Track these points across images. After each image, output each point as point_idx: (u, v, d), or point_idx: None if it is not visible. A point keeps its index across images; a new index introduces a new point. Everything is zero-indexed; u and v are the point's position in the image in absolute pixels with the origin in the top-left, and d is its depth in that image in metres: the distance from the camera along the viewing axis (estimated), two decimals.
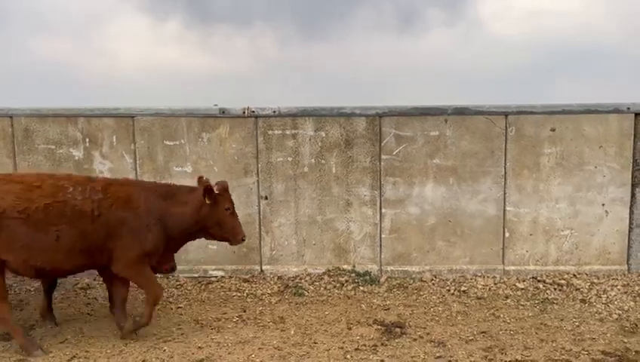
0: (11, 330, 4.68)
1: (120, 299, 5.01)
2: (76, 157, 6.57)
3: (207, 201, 4.79)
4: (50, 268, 4.61)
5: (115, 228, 4.57)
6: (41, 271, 4.59)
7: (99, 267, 4.93)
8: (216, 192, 4.85)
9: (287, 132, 6.53)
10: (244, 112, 6.51)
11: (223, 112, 6.53)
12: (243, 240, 5.06)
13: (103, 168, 6.54)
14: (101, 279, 6.32)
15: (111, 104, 6.70)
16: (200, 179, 4.98)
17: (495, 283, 6.36)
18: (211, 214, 4.86)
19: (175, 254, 5.24)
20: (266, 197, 6.55)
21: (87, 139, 6.57)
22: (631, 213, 6.51)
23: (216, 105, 6.60)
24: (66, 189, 4.48)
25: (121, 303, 5.01)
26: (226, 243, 5.25)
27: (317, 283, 6.41)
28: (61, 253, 4.49)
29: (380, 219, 6.59)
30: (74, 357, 4.63)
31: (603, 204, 6.51)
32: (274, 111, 6.51)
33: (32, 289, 6.27)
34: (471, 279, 6.47)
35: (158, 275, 5.37)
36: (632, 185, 6.48)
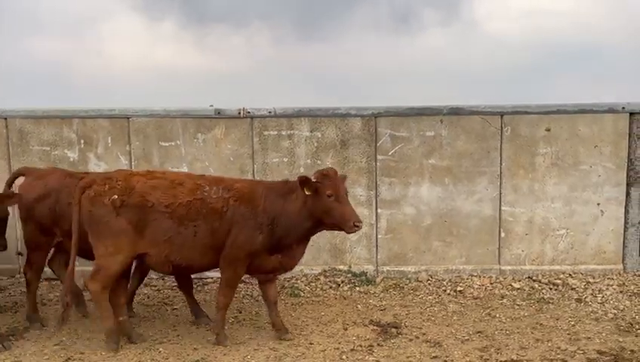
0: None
1: (272, 301, 5.03)
2: (71, 159, 6.56)
3: (307, 192, 4.62)
4: (186, 264, 4.76)
5: (237, 223, 4.65)
6: (177, 266, 4.75)
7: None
8: (314, 180, 4.65)
9: (283, 132, 6.53)
10: (239, 113, 6.51)
11: (219, 113, 6.52)
12: (356, 226, 4.60)
13: (98, 170, 6.50)
14: None
15: (107, 105, 6.70)
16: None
17: (491, 283, 6.37)
18: (316, 204, 4.64)
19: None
20: None
21: (82, 141, 6.56)
22: (626, 212, 6.53)
23: (211, 105, 6.59)
24: (203, 188, 4.69)
25: (273, 305, 5.03)
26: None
27: (313, 284, 6.41)
28: (197, 250, 4.67)
29: (376, 219, 6.59)
30: (69, 359, 4.61)
31: (598, 204, 6.52)
32: (269, 112, 6.51)
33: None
34: (467, 279, 6.48)
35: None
36: (627, 185, 6.50)
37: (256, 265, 4.79)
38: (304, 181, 4.61)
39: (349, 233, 4.81)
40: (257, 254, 4.73)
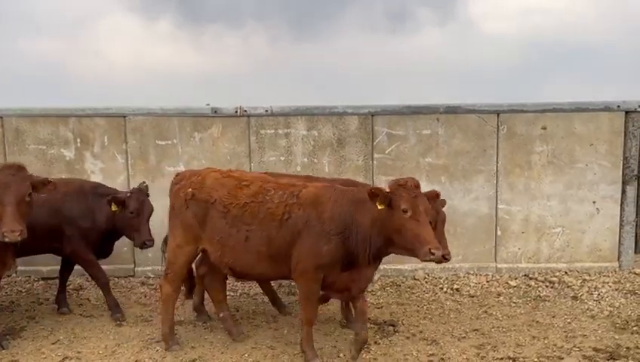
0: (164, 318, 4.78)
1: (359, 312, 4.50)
2: (67, 158, 6.54)
3: (379, 206, 3.98)
4: (240, 269, 4.55)
5: (300, 232, 4.23)
6: (233, 269, 4.60)
7: (288, 278, 4.71)
8: (388, 191, 4.02)
9: (280, 131, 6.53)
10: (236, 112, 6.50)
11: (216, 112, 6.52)
12: (432, 253, 3.81)
13: (94, 168, 6.52)
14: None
15: (104, 104, 6.68)
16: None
17: (487, 281, 6.39)
18: (388, 219, 3.99)
19: None
20: None
21: (79, 140, 6.54)
22: (622, 210, 6.56)
23: (208, 104, 6.59)
24: (267, 191, 4.41)
25: (361, 316, 4.45)
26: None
27: None
28: (250, 255, 4.41)
29: None
30: (66, 358, 4.61)
31: (594, 202, 6.55)
32: (266, 111, 6.51)
33: (22, 291, 6.24)
34: (463, 277, 6.50)
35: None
36: (623, 183, 6.52)
37: (329, 281, 4.30)
38: (374, 194, 3.98)
39: (422, 260, 4.00)
40: (329, 267, 4.21)
